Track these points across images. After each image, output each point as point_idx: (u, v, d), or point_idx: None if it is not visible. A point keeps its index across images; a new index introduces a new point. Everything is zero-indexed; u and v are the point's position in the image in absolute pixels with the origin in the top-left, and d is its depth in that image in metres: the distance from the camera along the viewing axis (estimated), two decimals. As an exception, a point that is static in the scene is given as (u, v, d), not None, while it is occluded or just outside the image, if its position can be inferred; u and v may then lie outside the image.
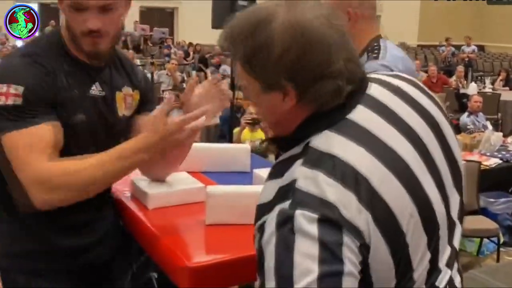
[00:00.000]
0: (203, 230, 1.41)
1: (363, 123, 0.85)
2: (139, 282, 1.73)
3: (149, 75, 9.04)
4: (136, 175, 1.55)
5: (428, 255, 0.86)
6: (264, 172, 1.66)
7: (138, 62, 11.59)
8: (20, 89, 1.23)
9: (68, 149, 1.30)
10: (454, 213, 0.94)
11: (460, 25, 20.43)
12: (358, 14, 1.68)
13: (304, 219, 0.75)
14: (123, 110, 1.45)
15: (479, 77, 12.75)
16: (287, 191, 0.79)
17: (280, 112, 0.86)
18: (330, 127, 0.84)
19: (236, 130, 4.51)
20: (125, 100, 1.45)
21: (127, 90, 1.46)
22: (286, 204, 0.77)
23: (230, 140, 4.37)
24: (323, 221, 0.75)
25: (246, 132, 4.45)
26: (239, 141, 4.31)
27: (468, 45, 15.17)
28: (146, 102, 1.53)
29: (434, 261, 0.88)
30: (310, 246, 0.74)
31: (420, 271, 0.85)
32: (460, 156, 0.98)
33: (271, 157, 4.39)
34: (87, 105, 1.35)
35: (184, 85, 7.52)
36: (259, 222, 0.81)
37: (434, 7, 21.76)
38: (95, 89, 1.38)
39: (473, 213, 3.71)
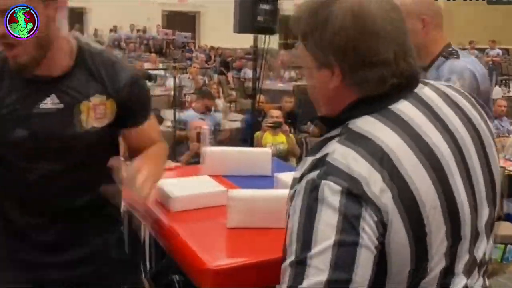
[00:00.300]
0: (225, 233, 1.42)
1: (404, 115, 0.88)
2: (161, 284, 1.74)
3: (171, 79, 9.11)
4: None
5: (445, 253, 0.86)
6: (285, 176, 1.66)
7: (160, 65, 11.72)
8: None
9: (15, 163, 1.31)
10: (481, 224, 0.93)
11: (485, 28, 20.11)
12: (432, 22, 1.75)
13: (329, 189, 0.79)
14: (92, 121, 1.32)
15: (503, 81, 12.52)
16: (318, 163, 0.83)
17: (328, 90, 0.91)
18: (371, 113, 0.88)
19: (257, 133, 4.51)
20: (95, 110, 1.32)
21: (98, 99, 1.32)
22: (315, 174, 0.82)
23: (252, 144, 4.37)
24: (346, 194, 0.79)
25: (267, 136, 4.44)
26: (260, 144, 4.31)
27: (492, 48, 14.93)
28: (132, 114, 1.38)
29: (451, 263, 0.88)
30: (331, 216, 0.78)
31: (434, 265, 0.85)
32: (498, 171, 0.98)
33: (292, 161, 4.38)
34: (33, 120, 1.28)
35: (207, 88, 7.56)
36: (291, 192, 0.86)
37: (458, 10, 21.48)
38: (49, 103, 1.28)
39: (497, 219, 3.64)
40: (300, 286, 0.76)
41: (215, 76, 11.54)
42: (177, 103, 5.49)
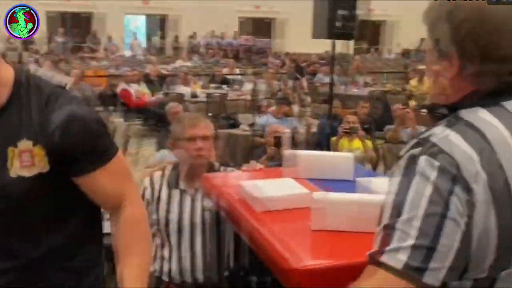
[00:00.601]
0: (309, 235, 1.44)
1: None
2: (237, 285, 1.77)
3: (247, 84, 9.26)
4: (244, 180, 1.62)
5: None
6: (367, 181, 1.66)
7: (237, 71, 11.94)
8: None
9: None
10: None
11: None
12: None
13: (427, 163, 0.84)
14: (17, 169, 1.13)
15: None
16: (422, 142, 0.88)
17: (445, 80, 0.95)
18: (483, 106, 0.91)
19: (333, 139, 4.49)
20: (20, 158, 1.13)
21: (25, 145, 1.13)
22: (416, 151, 0.86)
23: (328, 148, 4.36)
24: (442, 170, 0.83)
25: (343, 141, 4.42)
26: (336, 150, 4.29)
27: None
28: (73, 161, 1.17)
29: None
30: (425, 187, 0.82)
31: None
32: None
33: (368, 167, 4.32)
34: None
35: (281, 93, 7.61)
36: (394, 168, 0.91)
37: None
38: None
39: None
40: (387, 248, 0.82)
41: (290, 82, 11.58)
42: (254, 107, 5.58)
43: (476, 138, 0.86)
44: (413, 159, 0.85)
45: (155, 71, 10.26)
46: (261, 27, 19.40)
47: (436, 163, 0.83)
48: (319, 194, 1.50)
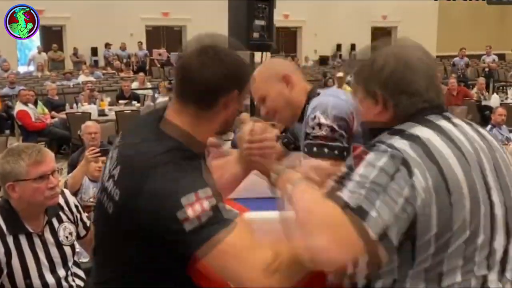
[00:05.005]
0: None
1: (433, 123, 1.23)
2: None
3: (166, 99, 9.18)
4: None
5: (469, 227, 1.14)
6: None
7: (149, 84, 11.76)
8: None
9: None
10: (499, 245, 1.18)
11: (480, 34, 20.49)
12: (293, 75, 1.94)
13: (375, 153, 1.16)
14: None
15: (500, 88, 12.77)
16: (366, 148, 1.20)
17: (371, 114, 1.29)
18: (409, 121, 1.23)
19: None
20: None
21: None
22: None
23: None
24: (389, 156, 1.13)
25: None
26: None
27: (488, 54, 15.17)
28: None
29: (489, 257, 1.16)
30: (370, 171, 1.14)
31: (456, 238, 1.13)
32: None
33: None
34: None
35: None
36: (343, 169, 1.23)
37: (453, 17, 21.88)
38: None
39: None
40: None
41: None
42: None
43: (411, 138, 1.16)
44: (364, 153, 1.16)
45: (55, 89, 9.90)
46: (171, 36, 19.30)
47: (383, 148, 1.15)
48: (248, 214, 1.58)
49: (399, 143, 1.16)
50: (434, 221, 1.11)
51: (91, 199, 3.86)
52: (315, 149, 1.82)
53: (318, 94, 1.93)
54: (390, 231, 1.08)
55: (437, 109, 1.26)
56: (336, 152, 1.81)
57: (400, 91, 1.23)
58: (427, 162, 1.13)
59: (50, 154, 2.07)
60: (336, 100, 1.84)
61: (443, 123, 1.23)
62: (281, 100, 1.93)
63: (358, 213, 1.08)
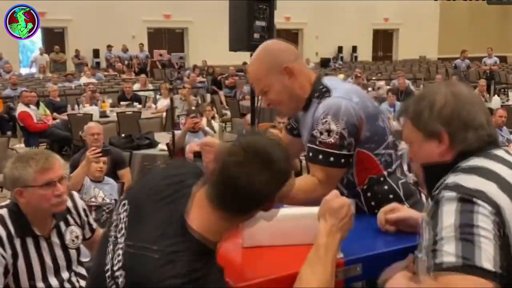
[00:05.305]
0: (241, 253, 1.55)
1: (498, 156, 1.28)
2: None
3: (163, 101, 9.22)
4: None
5: None
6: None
7: (150, 86, 11.81)
8: None
9: None
10: None
11: (481, 36, 20.49)
12: (295, 66, 1.85)
13: (446, 198, 1.19)
14: None
15: (502, 90, 12.77)
16: (444, 188, 1.23)
17: (434, 155, 1.32)
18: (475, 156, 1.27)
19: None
20: None
21: None
22: (446, 193, 1.22)
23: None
24: (461, 200, 1.16)
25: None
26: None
27: (490, 56, 15.17)
28: None
29: None
30: (450, 216, 1.18)
31: None
32: None
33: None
34: None
35: (199, 108, 7.68)
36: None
37: (454, 19, 21.89)
38: None
39: None
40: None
41: (208, 96, 11.64)
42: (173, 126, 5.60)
43: (483, 173, 1.21)
44: (456, 199, 1.17)
45: (57, 90, 9.93)
46: (173, 38, 19.36)
47: (453, 195, 1.18)
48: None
49: (472, 182, 1.19)
50: None
51: (92, 199, 3.88)
52: (320, 156, 1.79)
53: (325, 87, 1.85)
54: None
55: (496, 142, 1.32)
56: (342, 160, 1.78)
57: (465, 126, 1.28)
58: (502, 195, 1.17)
59: (59, 162, 2.07)
60: (349, 104, 1.77)
61: (506, 155, 1.29)
62: (284, 93, 1.86)
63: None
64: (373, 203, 1.87)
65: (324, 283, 1.33)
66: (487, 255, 1.09)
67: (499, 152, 1.29)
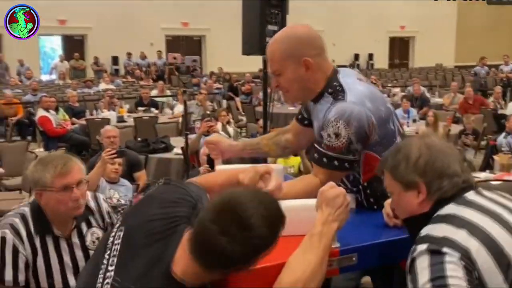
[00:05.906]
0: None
1: (474, 202, 1.36)
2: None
3: (179, 106, 9.35)
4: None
5: None
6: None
7: (168, 92, 11.95)
8: None
9: None
10: None
11: (498, 44, 20.31)
12: (315, 60, 1.84)
13: (419, 253, 1.29)
14: None
15: (519, 96, 12.64)
16: (417, 240, 1.32)
17: (414, 205, 1.40)
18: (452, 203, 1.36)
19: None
20: None
21: None
22: (423, 246, 1.30)
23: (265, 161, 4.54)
24: (431, 252, 1.25)
25: (280, 159, 4.63)
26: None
27: (506, 64, 15.06)
28: None
29: None
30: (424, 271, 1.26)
31: None
32: None
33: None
34: None
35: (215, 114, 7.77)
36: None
37: (471, 26, 21.74)
38: None
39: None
40: None
41: (224, 102, 11.73)
42: (187, 129, 5.69)
43: (457, 221, 1.29)
44: (427, 252, 1.25)
45: (76, 96, 10.13)
46: (191, 46, 19.53)
47: (443, 250, 1.24)
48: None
49: (441, 230, 1.28)
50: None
51: (108, 200, 3.97)
52: (325, 159, 1.81)
53: (340, 86, 1.84)
54: None
55: (472, 187, 1.39)
56: (346, 165, 1.81)
57: (440, 175, 1.36)
58: (471, 240, 1.25)
59: (78, 166, 2.08)
60: (362, 110, 1.76)
61: (479, 199, 1.37)
62: (296, 83, 1.87)
63: None
64: (372, 200, 1.91)
65: (313, 270, 1.37)
66: None
67: (473, 197, 1.37)
